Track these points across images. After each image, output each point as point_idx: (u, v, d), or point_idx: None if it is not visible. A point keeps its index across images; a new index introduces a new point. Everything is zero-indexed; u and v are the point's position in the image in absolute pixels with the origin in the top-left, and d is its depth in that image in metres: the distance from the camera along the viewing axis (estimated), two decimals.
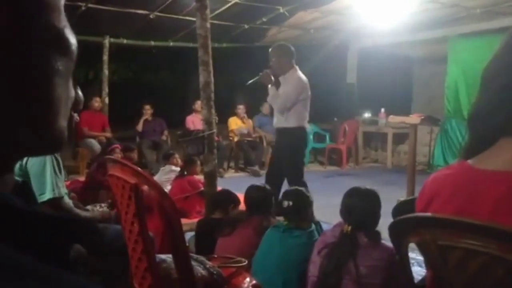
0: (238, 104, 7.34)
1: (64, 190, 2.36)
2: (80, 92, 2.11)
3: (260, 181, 3.61)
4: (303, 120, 3.79)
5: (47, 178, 2.20)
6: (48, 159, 2.22)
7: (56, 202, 2.25)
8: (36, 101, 0.37)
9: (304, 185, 3.47)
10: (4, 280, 0.28)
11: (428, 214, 1.09)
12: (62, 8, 0.38)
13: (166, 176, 4.30)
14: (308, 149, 7.77)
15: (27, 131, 0.37)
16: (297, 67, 3.81)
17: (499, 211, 0.95)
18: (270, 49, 3.84)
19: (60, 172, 2.31)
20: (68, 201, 2.41)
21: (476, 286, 0.96)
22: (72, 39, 0.39)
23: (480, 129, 1.04)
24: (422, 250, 1.06)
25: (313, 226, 2.36)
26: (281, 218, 2.44)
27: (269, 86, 3.83)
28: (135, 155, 4.88)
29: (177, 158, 4.67)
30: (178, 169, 4.30)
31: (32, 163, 2.17)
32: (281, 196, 2.54)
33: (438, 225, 0.99)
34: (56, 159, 2.28)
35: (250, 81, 3.83)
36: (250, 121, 7.43)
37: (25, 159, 2.12)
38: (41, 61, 0.36)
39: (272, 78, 3.77)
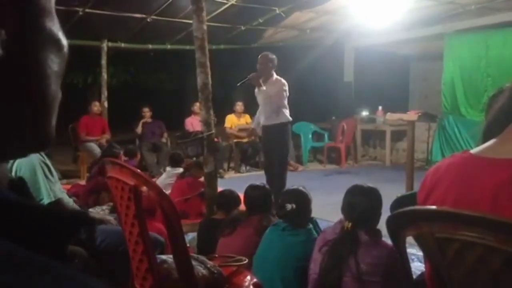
0: (237, 101, 7.32)
1: (60, 191, 2.36)
2: None
3: (260, 180, 3.61)
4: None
5: (40, 185, 2.20)
6: (37, 166, 2.21)
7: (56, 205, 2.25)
8: (30, 101, 0.37)
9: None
10: (3, 276, 0.28)
11: (425, 207, 1.09)
12: (54, 11, 0.39)
13: (170, 179, 4.30)
14: (307, 148, 7.85)
15: (19, 130, 0.37)
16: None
17: (499, 198, 0.96)
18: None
19: (52, 175, 2.30)
20: (68, 200, 2.41)
21: (474, 277, 0.97)
22: (64, 41, 0.40)
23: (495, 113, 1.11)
24: (420, 243, 1.06)
25: (310, 224, 2.36)
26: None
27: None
28: (136, 159, 4.88)
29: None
30: (181, 170, 4.31)
31: (21, 173, 2.15)
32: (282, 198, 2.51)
33: (435, 218, 1.00)
34: (45, 164, 2.27)
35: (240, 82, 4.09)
36: (247, 116, 7.41)
37: (14, 171, 2.11)
38: (37, 62, 0.37)
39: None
